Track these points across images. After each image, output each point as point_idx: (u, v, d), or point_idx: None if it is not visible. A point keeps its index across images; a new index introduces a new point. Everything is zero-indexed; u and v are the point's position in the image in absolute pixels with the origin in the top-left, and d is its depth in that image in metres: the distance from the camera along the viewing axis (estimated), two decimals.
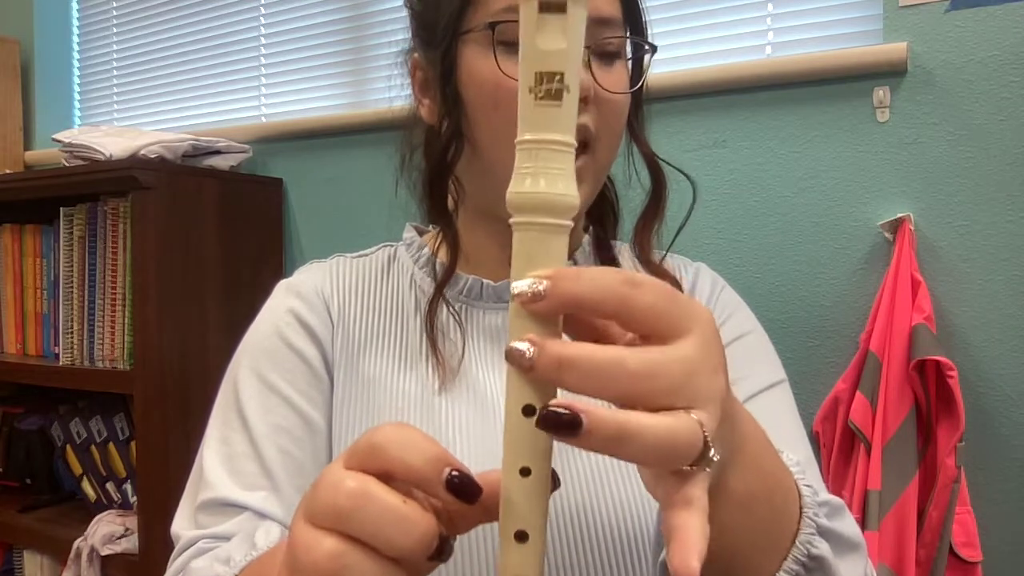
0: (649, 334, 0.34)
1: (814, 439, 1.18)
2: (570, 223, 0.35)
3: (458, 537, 0.38)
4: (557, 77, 0.34)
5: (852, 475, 1.12)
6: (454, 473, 0.34)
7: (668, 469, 0.34)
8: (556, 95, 0.34)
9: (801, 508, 0.46)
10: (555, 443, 0.37)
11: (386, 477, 0.35)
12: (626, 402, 0.32)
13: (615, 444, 0.32)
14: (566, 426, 0.31)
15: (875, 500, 1.07)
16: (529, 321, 0.34)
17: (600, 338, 0.36)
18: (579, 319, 0.36)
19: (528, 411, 0.34)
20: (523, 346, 0.33)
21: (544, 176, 0.34)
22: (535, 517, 0.35)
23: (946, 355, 1.07)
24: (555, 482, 0.36)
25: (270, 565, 0.45)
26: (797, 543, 0.45)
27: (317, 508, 0.34)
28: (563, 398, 0.32)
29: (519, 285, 0.34)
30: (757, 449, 0.42)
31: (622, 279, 0.33)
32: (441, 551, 0.35)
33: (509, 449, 0.35)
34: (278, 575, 0.36)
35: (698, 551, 0.32)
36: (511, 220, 0.35)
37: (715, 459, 0.34)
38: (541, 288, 0.33)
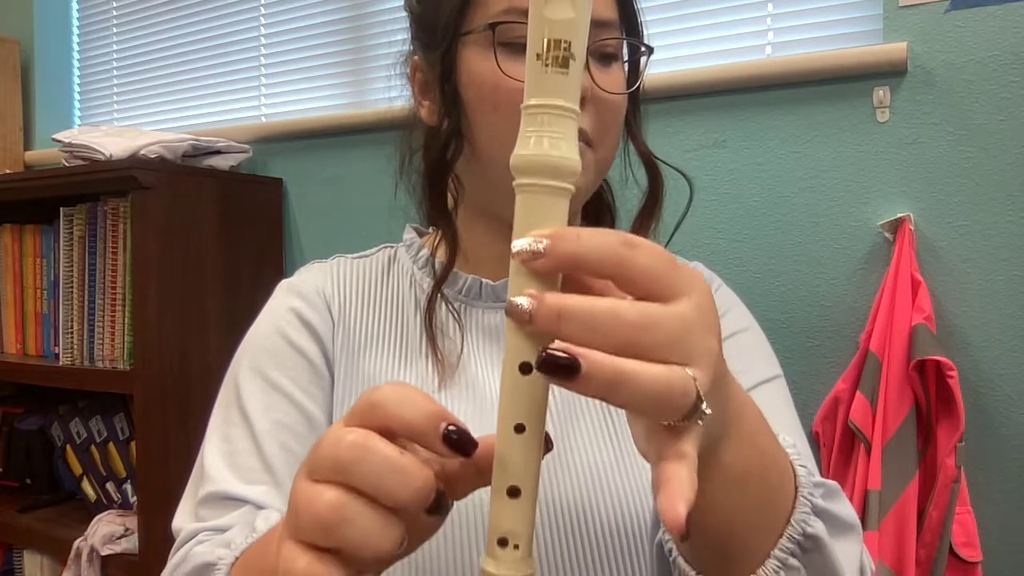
0: (646, 296, 0.34)
1: (814, 439, 1.18)
2: (571, 187, 0.36)
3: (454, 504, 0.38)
4: (564, 45, 0.35)
5: (852, 475, 1.12)
6: (451, 427, 0.35)
7: (661, 419, 0.34)
8: (563, 63, 0.35)
9: (796, 488, 0.46)
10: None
11: (386, 433, 0.35)
12: (622, 353, 0.33)
13: (612, 388, 0.32)
14: (565, 369, 0.32)
15: (875, 500, 1.07)
16: (528, 279, 0.35)
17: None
18: (578, 280, 0.37)
19: (525, 368, 0.35)
20: (522, 300, 0.33)
21: (547, 138, 0.35)
22: (528, 474, 0.35)
23: (946, 355, 1.07)
24: (548, 444, 0.36)
25: (271, 542, 0.45)
26: (792, 522, 0.45)
27: (318, 462, 0.35)
28: (560, 344, 0.33)
29: (519, 243, 0.34)
30: (752, 426, 0.42)
31: (621, 240, 0.34)
32: (439, 504, 0.35)
33: (505, 407, 0.35)
34: (280, 535, 0.36)
35: (686, 499, 0.32)
36: (515, 183, 0.36)
37: (707, 412, 0.34)
38: (540, 247, 0.34)
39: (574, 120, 0.36)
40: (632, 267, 0.34)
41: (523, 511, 0.35)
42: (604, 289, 0.36)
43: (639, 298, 0.35)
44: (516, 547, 0.35)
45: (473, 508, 0.62)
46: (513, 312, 0.34)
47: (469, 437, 0.35)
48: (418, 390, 0.36)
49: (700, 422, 0.34)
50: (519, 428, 0.35)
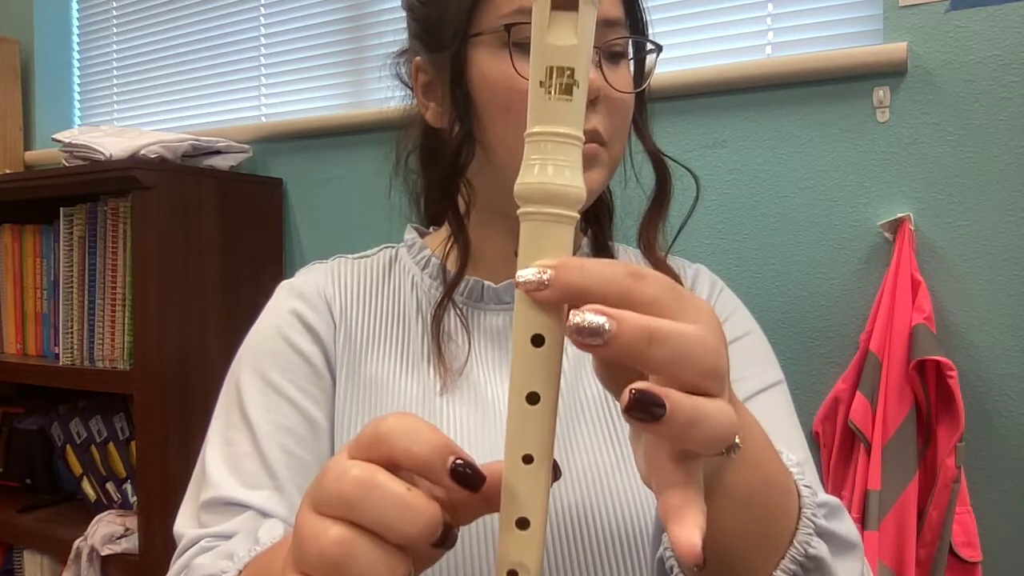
0: None
1: (814, 439, 1.18)
2: (576, 215, 0.35)
3: (460, 528, 0.38)
4: (568, 72, 0.34)
5: (852, 475, 1.12)
6: (458, 461, 0.34)
7: (709, 454, 0.34)
8: (566, 90, 0.35)
9: (800, 508, 0.46)
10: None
11: (391, 466, 0.35)
12: (691, 386, 0.33)
13: (687, 429, 0.32)
14: (653, 405, 0.31)
15: (875, 500, 1.07)
16: (533, 310, 0.34)
17: None
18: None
19: (532, 398, 0.34)
20: (600, 320, 0.32)
21: (552, 165, 0.35)
22: (537, 504, 0.35)
23: (946, 355, 1.07)
24: (556, 472, 0.36)
25: (274, 559, 0.45)
26: (795, 543, 0.45)
27: (323, 497, 0.35)
28: (643, 383, 0.32)
29: (524, 274, 0.34)
30: (757, 448, 0.42)
31: (626, 271, 0.34)
32: (445, 538, 0.35)
33: (512, 436, 0.35)
34: (283, 565, 0.36)
35: (700, 527, 0.32)
36: (518, 211, 0.35)
37: (740, 446, 0.34)
38: (545, 277, 0.33)
39: (578, 147, 0.35)
40: (638, 298, 0.33)
41: (532, 542, 0.35)
42: None
43: None
44: None
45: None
46: (588, 330, 0.32)
47: (477, 472, 0.35)
48: (424, 421, 0.36)
49: (733, 455, 0.35)
50: (527, 459, 0.35)
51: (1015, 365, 1.11)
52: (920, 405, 1.10)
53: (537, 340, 0.35)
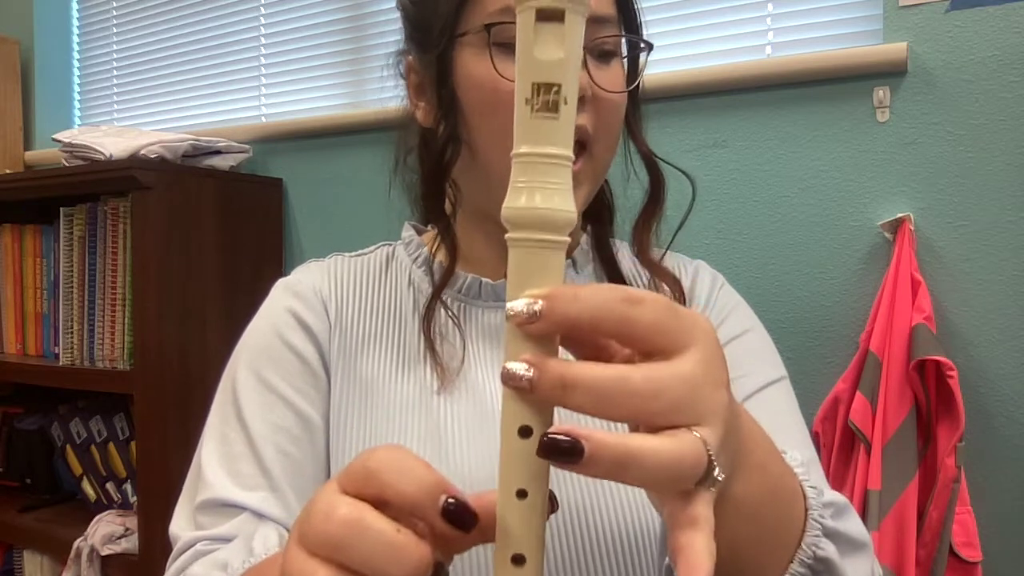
0: (650, 351, 0.33)
1: (814, 439, 1.17)
2: (566, 239, 0.34)
3: (455, 557, 0.37)
4: (554, 89, 0.33)
5: (852, 475, 1.12)
6: (450, 500, 0.34)
7: (673, 491, 0.33)
8: (553, 107, 0.33)
9: (806, 510, 0.45)
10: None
11: (381, 503, 0.34)
12: (629, 422, 0.32)
13: (619, 469, 0.31)
14: (567, 453, 0.31)
15: (875, 500, 1.07)
16: (525, 341, 0.33)
17: (598, 353, 0.36)
18: (576, 336, 0.36)
19: (524, 432, 0.33)
20: (520, 368, 0.32)
21: (540, 191, 0.33)
22: (532, 540, 0.34)
23: (946, 355, 1.07)
24: (553, 505, 0.35)
25: None
26: (803, 545, 0.44)
27: (311, 535, 0.34)
28: (563, 423, 0.32)
29: (514, 306, 0.33)
30: (762, 456, 0.42)
31: (621, 297, 0.33)
32: None
33: (505, 471, 0.34)
34: None
35: (705, 571, 0.31)
36: (507, 236, 0.34)
37: (719, 479, 0.33)
38: (536, 309, 0.32)
39: (568, 168, 0.34)
40: (635, 325, 0.32)
41: None
42: (604, 342, 0.36)
43: (642, 353, 0.34)
44: None
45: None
46: (512, 380, 0.32)
47: (469, 510, 0.34)
48: (416, 457, 0.35)
49: (712, 489, 0.34)
50: (521, 493, 0.34)
51: (1015, 365, 1.11)
52: (920, 405, 1.09)
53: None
